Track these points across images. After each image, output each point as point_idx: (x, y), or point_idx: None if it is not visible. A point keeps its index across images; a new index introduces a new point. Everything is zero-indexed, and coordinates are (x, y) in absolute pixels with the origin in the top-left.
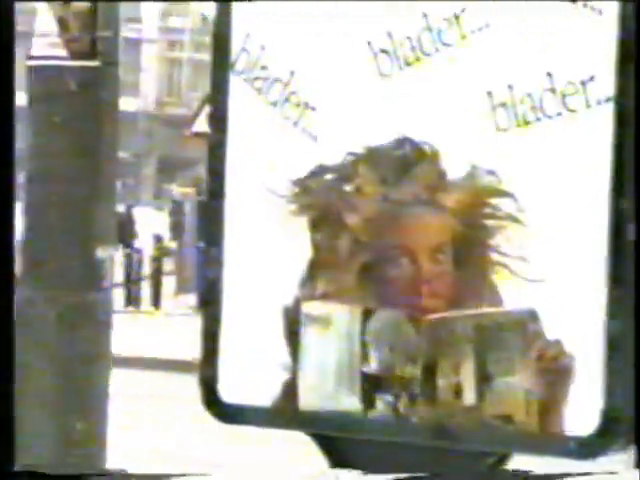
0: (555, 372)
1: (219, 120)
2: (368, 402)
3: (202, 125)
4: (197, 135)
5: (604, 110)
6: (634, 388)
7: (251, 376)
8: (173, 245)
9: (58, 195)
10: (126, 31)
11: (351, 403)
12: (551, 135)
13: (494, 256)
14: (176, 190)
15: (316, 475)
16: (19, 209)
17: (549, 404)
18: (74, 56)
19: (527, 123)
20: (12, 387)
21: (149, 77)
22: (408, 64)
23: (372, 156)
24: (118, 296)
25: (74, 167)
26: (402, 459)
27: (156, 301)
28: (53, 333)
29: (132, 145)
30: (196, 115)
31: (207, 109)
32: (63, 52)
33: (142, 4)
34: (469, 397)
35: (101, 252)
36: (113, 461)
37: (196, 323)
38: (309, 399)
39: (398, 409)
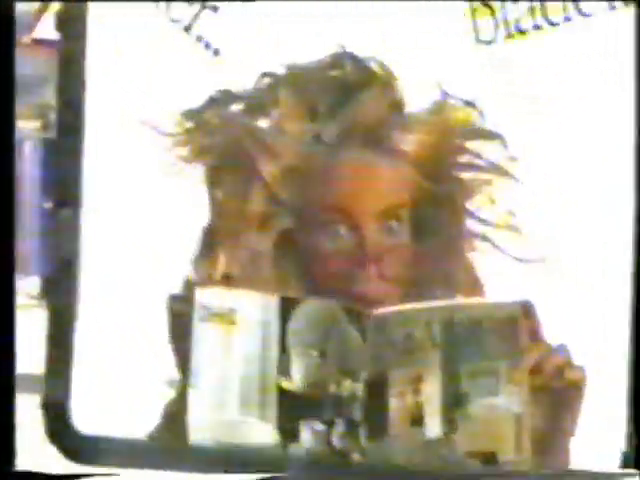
0: (559, 390)
1: (73, 21)
2: (289, 432)
3: (49, 29)
4: (41, 43)
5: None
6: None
7: (119, 396)
8: None
9: None
10: None
11: (265, 433)
12: (556, 50)
13: (472, 224)
14: None
15: None
16: None
17: (549, 436)
18: None
19: (522, 33)
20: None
21: None
22: None
23: (298, 78)
24: None
25: None
26: None
27: None
28: None
29: None
30: (39, 15)
31: (55, 5)
32: None
33: None
34: (434, 426)
35: None
36: None
37: (39, 319)
38: (204, 428)
39: (331, 442)
